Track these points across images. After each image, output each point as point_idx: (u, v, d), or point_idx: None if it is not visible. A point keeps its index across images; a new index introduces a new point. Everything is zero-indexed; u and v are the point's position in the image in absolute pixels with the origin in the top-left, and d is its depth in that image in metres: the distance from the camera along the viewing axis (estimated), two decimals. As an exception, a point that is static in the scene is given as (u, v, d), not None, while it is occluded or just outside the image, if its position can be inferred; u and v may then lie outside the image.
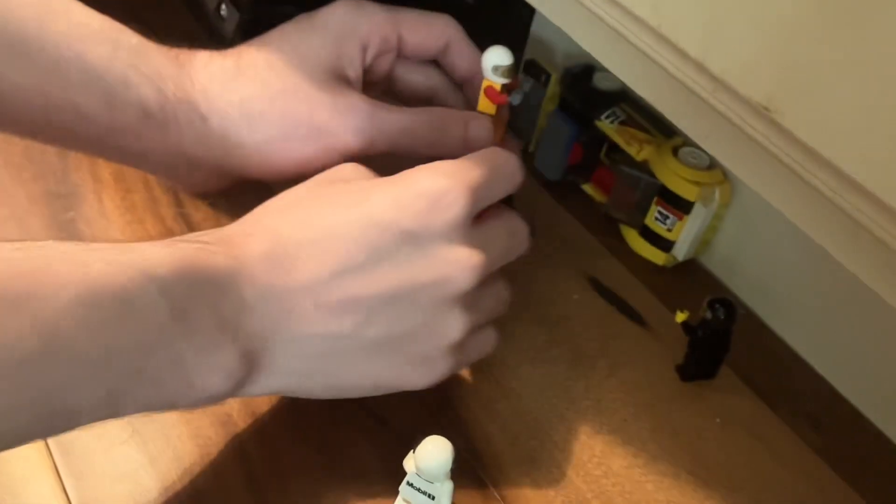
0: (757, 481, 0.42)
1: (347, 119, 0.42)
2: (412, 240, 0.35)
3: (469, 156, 0.38)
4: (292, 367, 0.36)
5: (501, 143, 0.43)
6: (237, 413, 0.40)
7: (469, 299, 0.37)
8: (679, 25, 0.34)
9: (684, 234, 0.50)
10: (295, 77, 0.42)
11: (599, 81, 0.54)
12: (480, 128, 0.43)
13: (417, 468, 0.35)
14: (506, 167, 0.39)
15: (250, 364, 0.34)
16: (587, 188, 0.56)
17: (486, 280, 0.38)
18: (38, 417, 0.30)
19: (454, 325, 0.37)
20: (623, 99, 0.54)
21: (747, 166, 0.34)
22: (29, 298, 0.29)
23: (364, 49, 0.44)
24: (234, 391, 0.34)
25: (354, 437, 0.40)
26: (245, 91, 0.42)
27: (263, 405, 0.41)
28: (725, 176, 0.50)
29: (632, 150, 0.51)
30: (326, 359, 0.36)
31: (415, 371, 0.38)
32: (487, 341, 0.40)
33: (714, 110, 0.33)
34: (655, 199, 0.51)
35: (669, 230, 0.51)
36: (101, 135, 0.41)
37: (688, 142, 0.51)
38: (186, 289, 0.32)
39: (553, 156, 0.55)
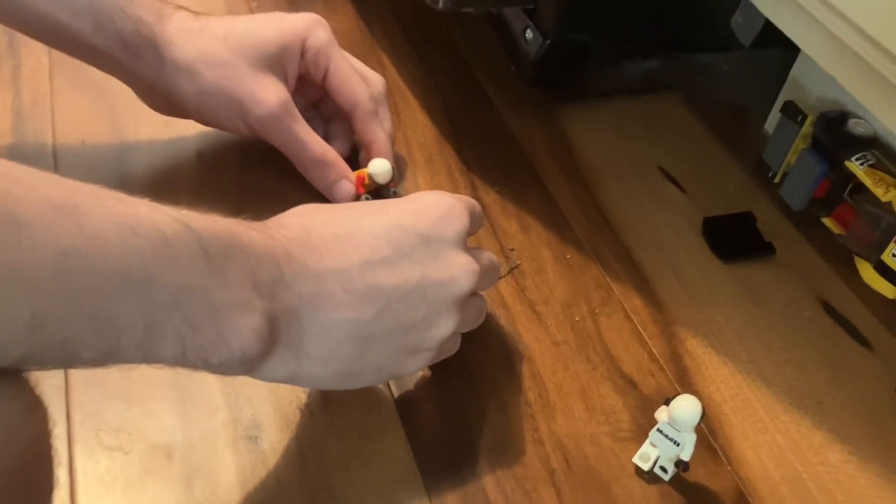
0: (964, 498, 0.47)
1: (259, 105, 0.53)
2: (427, 242, 0.41)
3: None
4: (313, 350, 0.38)
5: None
6: (533, 353, 0.50)
7: (462, 303, 0.43)
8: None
9: (919, 273, 0.55)
10: (240, 56, 0.53)
11: (853, 127, 0.60)
12: (342, 191, 0.55)
13: (671, 418, 0.43)
14: (480, 215, 0.46)
15: (276, 335, 0.37)
16: (826, 221, 0.61)
17: (472, 295, 0.44)
18: (82, 317, 0.30)
19: (447, 322, 0.42)
20: (874, 145, 0.59)
21: None
22: (74, 211, 0.30)
23: (303, 55, 0.56)
24: (257, 360, 0.36)
25: (609, 392, 0.49)
26: (198, 52, 0.53)
27: (549, 360, 0.50)
28: (968, 225, 0.54)
29: (878, 192, 0.56)
30: (345, 343, 0.39)
31: (407, 360, 0.42)
32: (454, 345, 0.46)
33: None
34: (895, 238, 0.56)
35: (905, 267, 0.56)
36: (95, 54, 0.53)
37: (935, 190, 0.55)
38: (223, 248, 0.35)
39: (800, 188, 0.61)
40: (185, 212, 0.34)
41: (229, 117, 0.55)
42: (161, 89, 0.55)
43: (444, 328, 0.42)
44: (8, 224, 0.28)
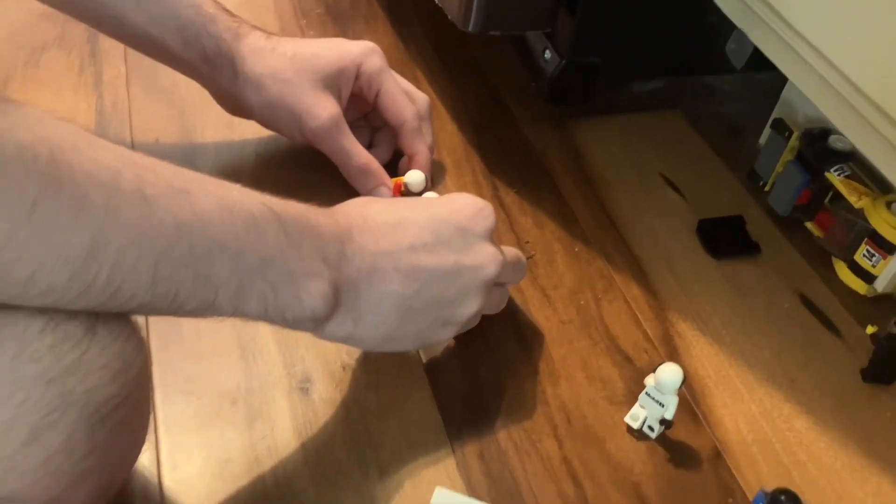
0: (912, 463, 0.54)
1: (314, 119, 0.62)
2: (462, 233, 0.49)
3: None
4: (368, 315, 0.46)
5: None
6: (543, 339, 0.58)
7: (487, 288, 0.50)
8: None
9: (886, 271, 0.63)
10: (302, 75, 0.62)
11: (834, 142, 0.67)
12: (381, 196, 0.62)
13: (656, 382, 0.51)
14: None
15: (339, 301, 0.44)
16: (809, 225, 0.69)
17: (497, 285, 0.52)
18: (190, 277, 0.38)
19: (474, 302, 0.50)
20: (851, 158, 0.67)
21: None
22: (187, 192, 0.38)
23: (358, 78, 0.64)
24: (324, 320, 0.44)
25: (607, 365, 0.57)
26: (267, 69, 0.62)
27: (556, 336, 0.58)
28: (929, 230, 0.61)
29: (852, 199, 0.64)
30: (392, 312, 0.47)
31: (439, 330, 0.50)
32: (475, 320, 0.52)
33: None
34: (866, 240, 0.63)
35: (874, 266, 0.63)
36: (178, 62, 0.62)
37: (900, 199, 0.63)
38: (298, 228, 0.42)
39: (785, 196, 0.69)
40: (268, 196, 0.42)
41: (288, 126, 0.64)
42: (233, 96, 0.64)
43: (471, 306, 0.50)
44: (139, 201, 0.36)
